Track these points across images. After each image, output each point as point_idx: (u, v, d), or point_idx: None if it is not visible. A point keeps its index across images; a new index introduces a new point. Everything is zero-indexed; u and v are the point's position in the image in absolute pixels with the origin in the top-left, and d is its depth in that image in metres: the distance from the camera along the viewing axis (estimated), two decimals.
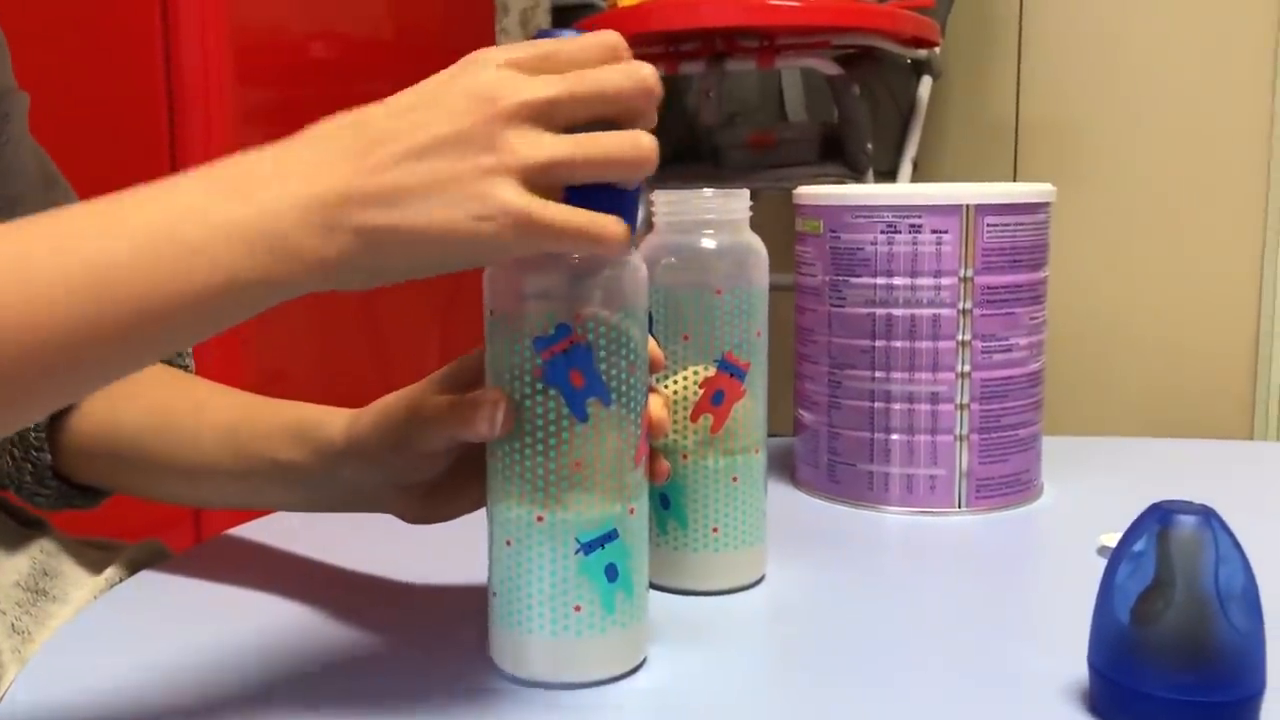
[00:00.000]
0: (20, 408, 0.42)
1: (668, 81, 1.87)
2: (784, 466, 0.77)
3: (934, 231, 0.66)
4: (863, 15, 1.66)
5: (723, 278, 0.54)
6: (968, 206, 0.66)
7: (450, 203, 0.40)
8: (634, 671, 0.46)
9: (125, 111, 1.44)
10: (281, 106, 1.44)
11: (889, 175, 1.88)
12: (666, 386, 0.54)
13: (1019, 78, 2.23)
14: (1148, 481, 0.76)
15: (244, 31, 1.45)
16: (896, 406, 0.68)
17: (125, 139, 1.44)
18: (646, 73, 0.44)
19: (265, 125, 1.43)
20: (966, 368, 0.68)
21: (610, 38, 0.44)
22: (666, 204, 0.55)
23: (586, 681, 0.45)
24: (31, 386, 0.40)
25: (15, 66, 0.66)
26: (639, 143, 0.43)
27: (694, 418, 0.54)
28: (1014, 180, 2.25)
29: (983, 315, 0.67)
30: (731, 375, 0.54)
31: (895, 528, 0.67)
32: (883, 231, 0.67)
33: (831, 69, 1.69)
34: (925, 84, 1.94)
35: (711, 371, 0.54)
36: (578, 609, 0.44)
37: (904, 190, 0.68)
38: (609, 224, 0.42)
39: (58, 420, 0.62)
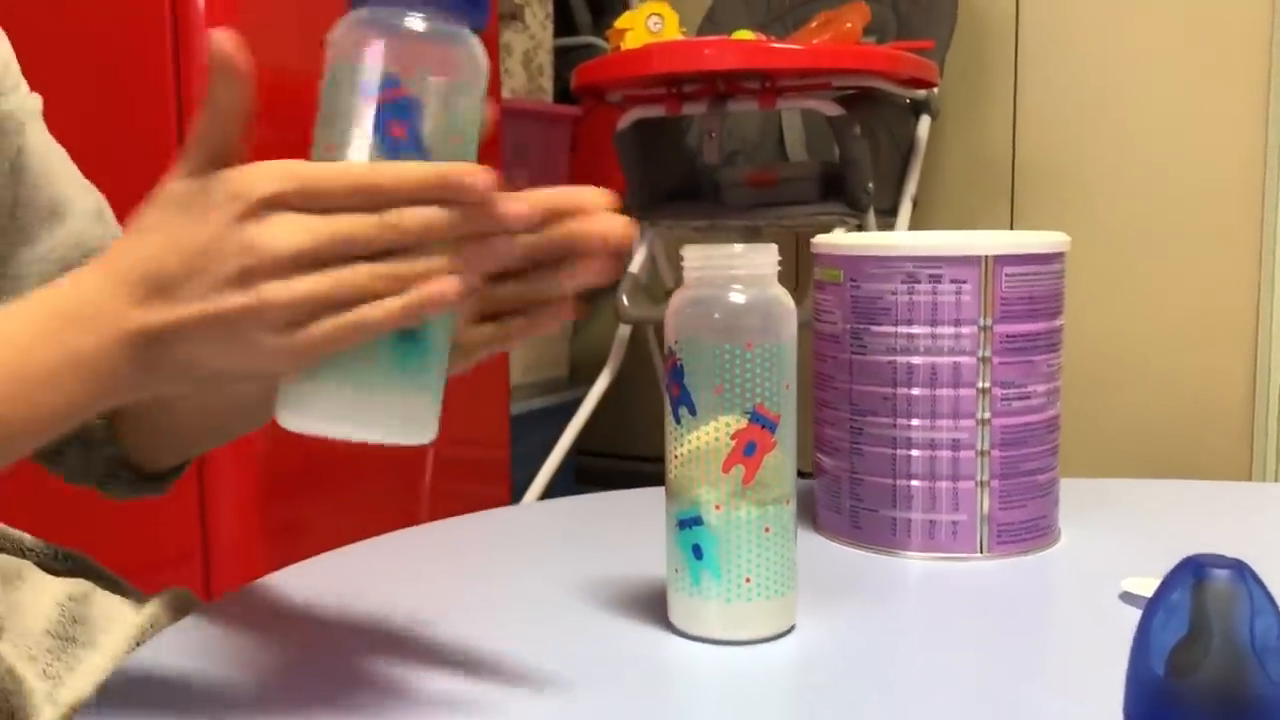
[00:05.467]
0: None
1: (670, 121, 1.89)
2: (803, 509, 0.78)
3: (953, 281, 0.68)
4: (863, 57, 1.69)
5: (753, 332, 0.55)
6: (987, 257, 0.67)
7: (230, 349, 0.44)
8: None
9: (136, 151, 1.45)
10: (288, 147, 1.45)
11: (889, 214, 1.90)
12: (698, 437, 0.55)
13: (1015, 116, 2.26)
14: (1162, 525, 0.77)
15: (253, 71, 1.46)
16: (918, 453, 0.69)
17: (137, 177, 1.45)
18: (430, 220, 0.44)
19: (273, 157, 1.43)
20: (987, 414, 0.69)
21: (419, 175, 0.44)
22: (696, 259, 0.56)
23: None
24: None
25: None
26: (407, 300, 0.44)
27: (726, 469, 0.55)
28: (1011, 217, 2.27)
29: (1002, 363, 0.69)
30: (763, 427, 0.55)
31: (918, 573, 0.68)
32: (903, 281, 0.68)
33: (833, 110, 1.71)
34: (924, 123, 1.97)
35: (743, 424, 0.55)
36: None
37: (924, 241, 0.69)
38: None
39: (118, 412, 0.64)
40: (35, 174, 0.65)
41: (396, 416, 0.47)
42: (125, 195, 0.70)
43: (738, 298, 0.55)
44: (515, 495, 1.97)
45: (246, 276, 0.42)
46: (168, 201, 0.45)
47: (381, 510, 1.74)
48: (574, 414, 2.01)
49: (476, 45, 0.48)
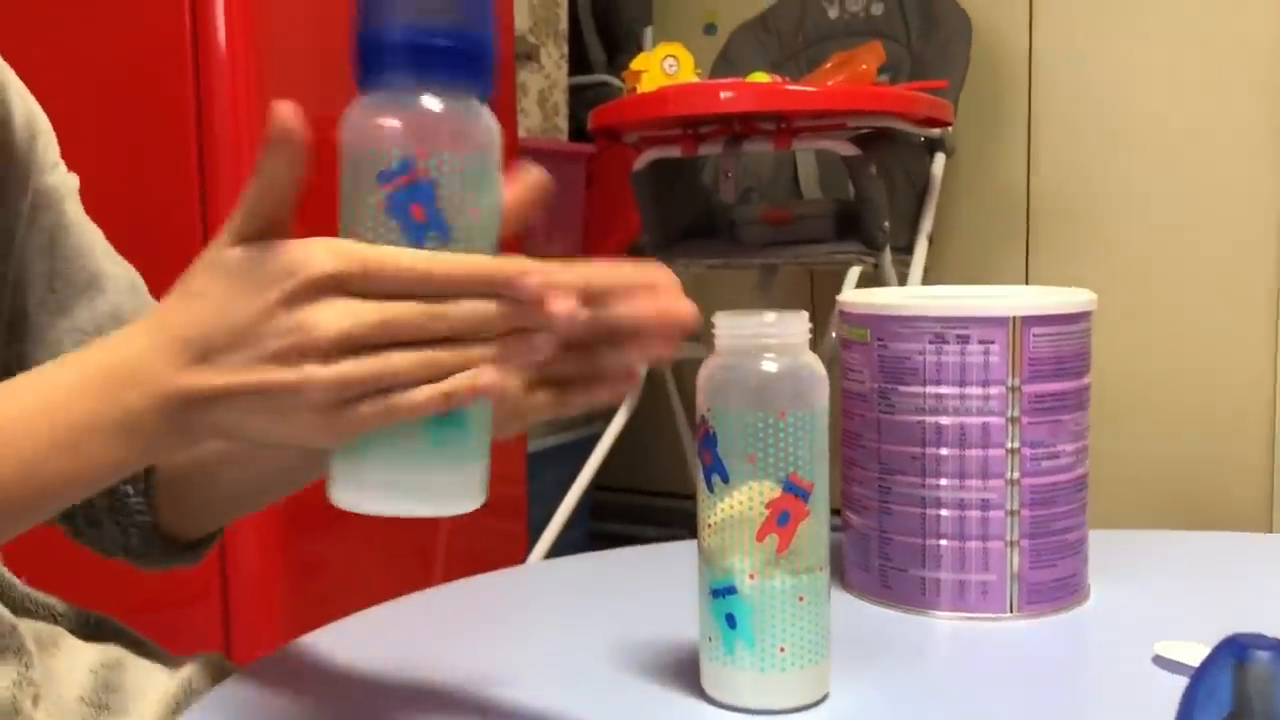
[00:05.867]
0: None
1: (685, 161, 1.90)
2: (831, 564, 0.78)
3: (981, 342, 0.68)
4: (879, 99, 1.69)
5: (785, 400, 0.55)
6: (1014, 318, 0.68)
7: (269, 421, 0.45)
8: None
9: (158, 189, 1.47)
10: (308, 189, 1.46)
11: (905, 251, 1.91)
12: (731, 505, 0.56)
13: (1029, 152, 2.27)
14: (1191, 581, 0.77)
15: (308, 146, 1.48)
16: (947, 513, 0.69)
17: (160, 219, 1.46)
18: (486, 314, 0.45)
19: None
20: (1016, 474, 0.69)
21: (485, 270, 0.45)
22: (727, 327, 0.56)
23: None
24: None
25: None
26: (449, 386, 0.44)
27: (760, 538, 0.55)
28: (1026, 253, 2.27)
29: (1031, 423, 0.69)
30: (796, 496, 0.55)
31: (949, 634, 0.68)
32: (930, 341, 0.69)
33: (848, 150, 1.72)
34: (939, 161, 1.98)
35: (776, 493, 0.55)
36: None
37: (951, 302, 0.70)
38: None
39: (151, 483, 0.64)
40: (72, 249, 0.66)
41: (442, 489, 0.48)
42: (149, 269, 0.71)
43: (770, 366, 0.56)
44: (532, 531, 1.97)
45: (293, 354, 0.43)
46: (218, 268, 0.45)
47: (399, 546, 1.74)
48: (590, 450, 2.01)
49: (487, 115, 0.49)
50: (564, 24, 2.43)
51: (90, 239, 0.68)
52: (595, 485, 2.01)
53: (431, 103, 0.47)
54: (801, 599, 0.56)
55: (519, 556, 1.94)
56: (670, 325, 0.50)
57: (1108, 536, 0.84)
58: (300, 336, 0.43)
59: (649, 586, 0.78)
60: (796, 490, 0.55)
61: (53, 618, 0.65)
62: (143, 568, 0.67)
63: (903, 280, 1.87)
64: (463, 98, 0.48)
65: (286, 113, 0.45)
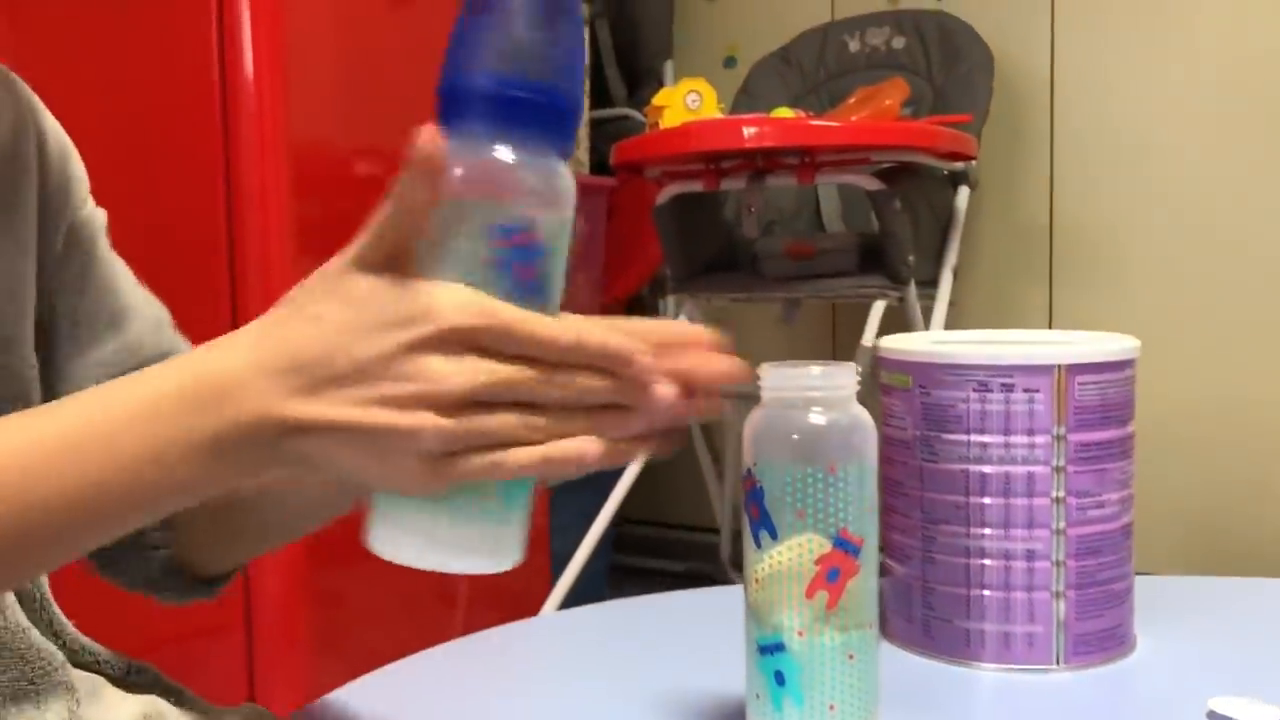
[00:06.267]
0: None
1: (708, 195, 1.90)
2: None
3: (1026, 390, 0.67)
4: (903, 134, 1.69)
5: (835, 454, 0.55)
6: (1060, 366, 0.67)
7: (368, 461, 0.44)
8: None
9: (185, 218, 1.47)
10: (335, 218, 1.47)
11: (930, 285, 1.90)
12: (779, 561, 0.55)
13: (1052, 185, 2.26)
14: (1238, 629, 0.76)
15: (300, 145, 1.49)
16: (991, 563, 0.68)
17: (186, 247, 1.47)
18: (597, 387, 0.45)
19: (319, 234, 1.46)
20: (1061, 524, 0.68)
21: (605, 347, 0.45)
22: (774, 380, 0.56)
23: None
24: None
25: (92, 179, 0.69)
26: (554, 452, 0.45)
27: (809, 594, 0.55)
28: (1050, 286, 2.26)
29: (1076, 472, 0.68)
30: (846, 552, 0.55)
31: (994, 686, 0.67)
32: (975, 390, 0.68)
33: (872, 184, 1.72)
34: (963, 194, 1.97)
35: (826, 548, 0.54)
36: None
37: (995, 349, 0.69)
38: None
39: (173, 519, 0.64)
40: (100, 287, 0.66)
41: (489, 547, 0.47)
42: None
43: (818, 419, 0.55)
44: (555, 564, 1.96)
45: (412, 401, 0.42)
46: (340, 294, 0.44)
47: (421, 579, 1.73)
48: (612, 484, 2.00)
49: (569, 174, 0.48)
50: (585, 59, 2.44)
51: (117, 276, 0.67)
52: (617, 518, 2.00)
53: (554, 165, 0.46)
54: (851, 656, 0.55)
55: (541, 589, 1.93)
56: (717, 383, 0.51)
57: (1151, 583, 0.83)
58: (424, 385, 0.42)
59: (681, 636, 0.77)
60: (847, 546, 0.55)
61: (96, 664, 0.65)
62: (164, 602, 0.67)
63: (927, 314, 1.86)
64: (555, 155, 0.47)
65: (430, 139, 0.43)
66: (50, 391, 0.63)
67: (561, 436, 0.44)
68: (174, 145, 1.49)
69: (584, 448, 0.45)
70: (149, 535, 0.65)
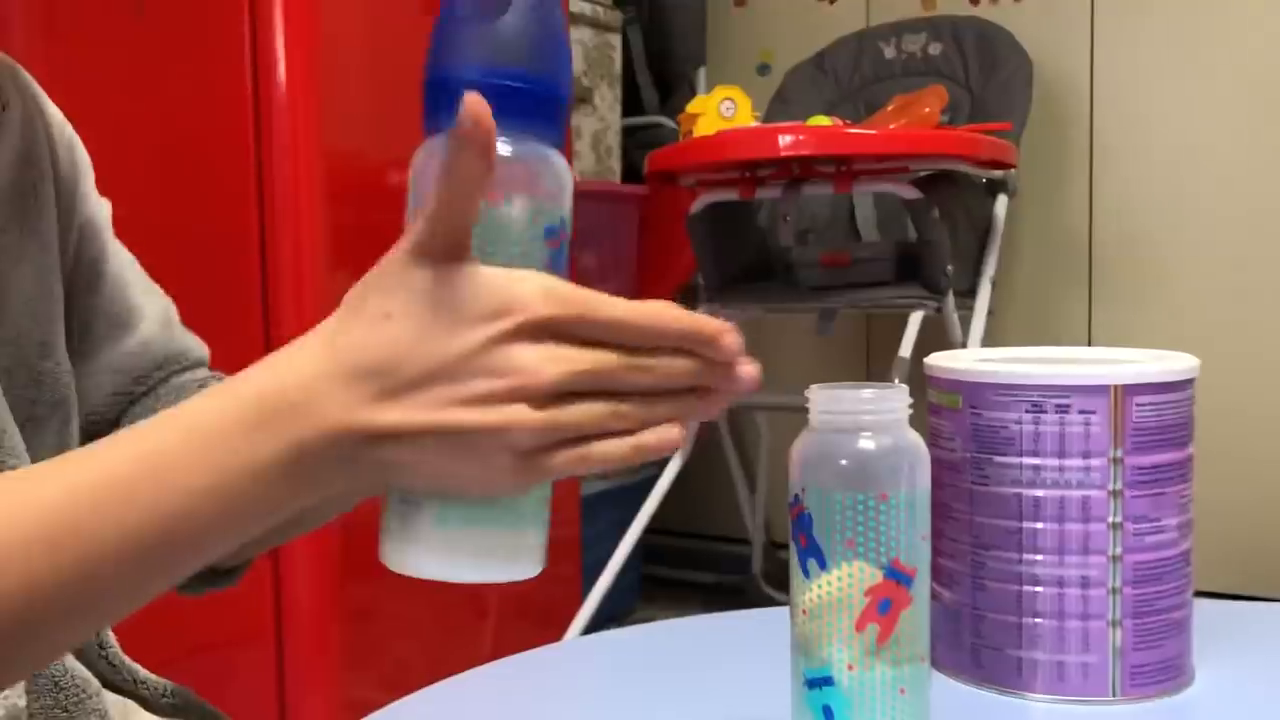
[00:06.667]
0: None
1: (742, 204, 1.88)
2: None
3: (1082, 412, 0.65)
4: (942, 142, 1.67)
5: (886, 481, 0.53)
6: (1117, 387, 0.65)
7: (456, 463, 0.42)
8: None
9: (218, 228, 1.47)
10: (369, 227, 1.46)
11: (968, 295, 1.87)
12: (828, 591, 0.53)
13: (1091, 193, 2.23)
14: None
15: (333, 154, 1.48)
16: (1045, 590, 0.66)
17: (219, 256, 1.47)
18: (681, 370, 0.43)
19: (353, 243, 1.45)
20: (1118, 550, 0.65)
21: (684, 325, 0.43)
22: (823, 403, 0.54)
23: None
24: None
25: (115, 189, 0.67)
26: (640, 444, 0.43)
27: (860, 627, 0.52)
28: (1090, 295, 2.23)
29: (1134, 496, 0.65)
30: (899, 583, 0.52)
31: (1046, 718, 0.65)
32: (1028, 410, 0.66)
33: (910, 193, 1.69)
34: (1001, 203, 1.94)
35: (877, 579, 0.52)
36: None
37: (1049, 369, 0.67)
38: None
39: None
40: (111, 284, 0.64)
41: (508, 555, 0.46)
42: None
43: (868, 444, 0.53)
44: (586, 576, 1.94)
45: (502, 396, 0.41)
46: (409, 290, 0.41)
47: (453, 589, 1.72)
48: (644, 495, 1.99)
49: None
50: (618, 66, 2.43)
51: (125, 270, 0.66)
52: (648, 529, 1.98)
53: (559, 161, 0.46)
54: (903, 691, 0.53)
55: (573, 600, 1.91)
56: (735, 386, 0.47)
57: (1209, 608, 0.80)
58: (515, 380, 0.41)
59: (721, 662, 0.75)
60: (899, 576, 0.52)
61: (133, 684, 0.64)
62: (184, 594, 0.65)
63: (965, 325, 1.83)
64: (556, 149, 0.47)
65: (477, 103, 0.40)
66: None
67: (647, 424, 0.43)
68: (207, 155, 1.48)
69: (670, 435, 0.43)
70: None
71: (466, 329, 0.41)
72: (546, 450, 0.42)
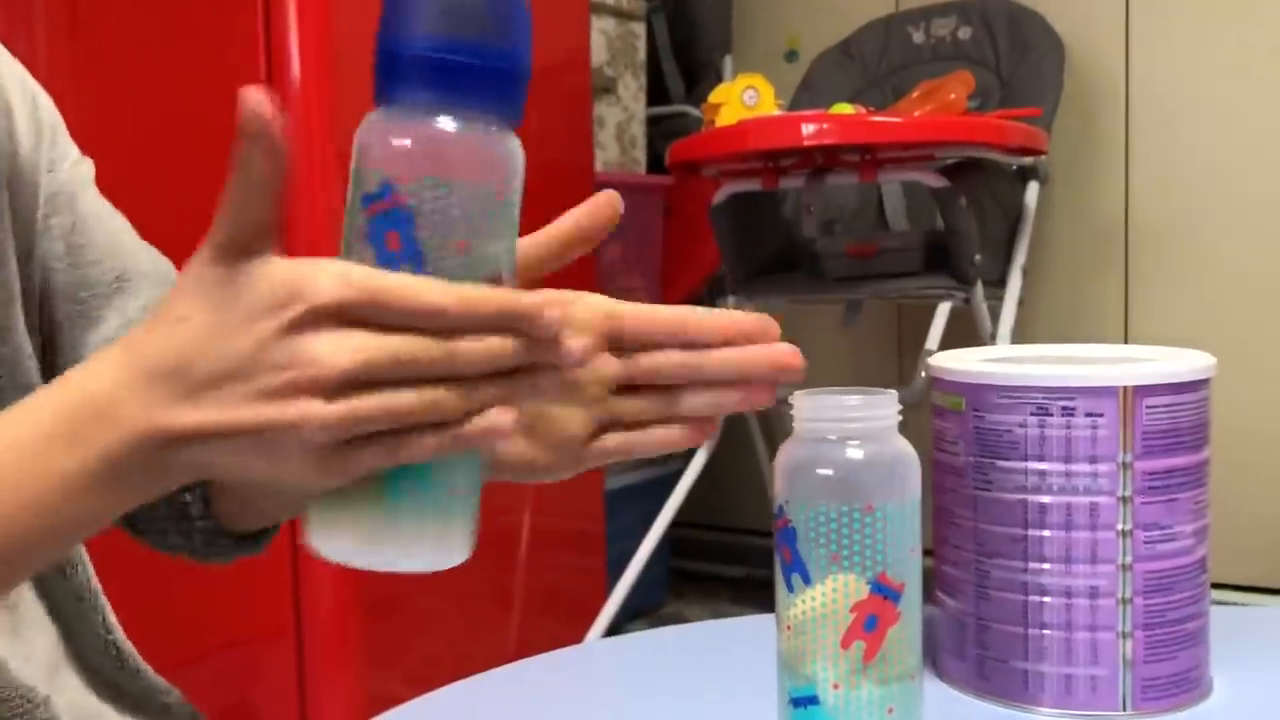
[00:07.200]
0: None
1: (766, 194, 1.86)
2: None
3: (1089, 415, 0.62)
4: (970, 129, 1.63)
5: (873, 492, 0.50)
6: (1125, 388, 0.62)
7: (256, 461, 0.41)
8: None
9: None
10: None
11: (998, 285, 1.83)
12: (813, 607, 0.51)
13: (1127, 180, 2.17)
14: None
15: (348, 148, 1.47)
16: (1052, 600, 0.63)
17: None
18: (499, 349, 0.41)
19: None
20: (1128, 559, 0.63)
21: (490, 303, 0.40)
22: (806, 410, 0.52)
23: None
24: None
25: (125, 184, 0.65)
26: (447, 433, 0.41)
27: (845, 644, 0.50)
28: (1126, 286, 2.17)
29: (1144, 503, 0.63)
30: (885, 598, 0.50)
31: None
32: (1032, 414, 0.63)
33: (936, 181, 1.66)
34: (1032, 190, 1.90)
35: (864, 594, 0.50)
36: None
37: (1054, 371, 0.64)
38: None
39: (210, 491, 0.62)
40: (96, 248, 0.62)
41: (431, 542, 0.44)
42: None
43: (855, 453, 0.51)
44: (612, 570, 1.93)
45: (290, 391, 0.39)
46: (201, 289, 0.41)
47: (476, 583, 1.72)
48: (670, 488, 1.97)
49: (502, 144, 0.44)
50: (642, 55, 2.41)
51: (112, 233, 0.63)
52: (675, 522, 1.97)
53: (427, 125, 0.42)
54: (891, 710, 0.51)
55: (598, 594, 1.90)
56: (775, 371, 0.50)
57: (1227, 615, 0.77)
58: (300, 371, 0.39)
59: (736, 668, 0.73)
60: (886, 591, 0.50)
61: (166, 710, 0.63)
62: (210, 563, 0.64)
63: (995, 315, 1.79)
64: (478, 122, 0.43)
65: (257, 99, 0.40)
66: (60, 372, 0.61)
67: (469, 412, 0.40)
68: (220, 149, 1.48)
69: (496, 421, 0.40)
70: (191, 507, 0.62)
71: (253, 322, 0.39)
72: (351, 445, 0.40)
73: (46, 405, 0.43)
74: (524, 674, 0.73)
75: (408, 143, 0.42)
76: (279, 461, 0.40)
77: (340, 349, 0.39)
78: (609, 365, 0.51)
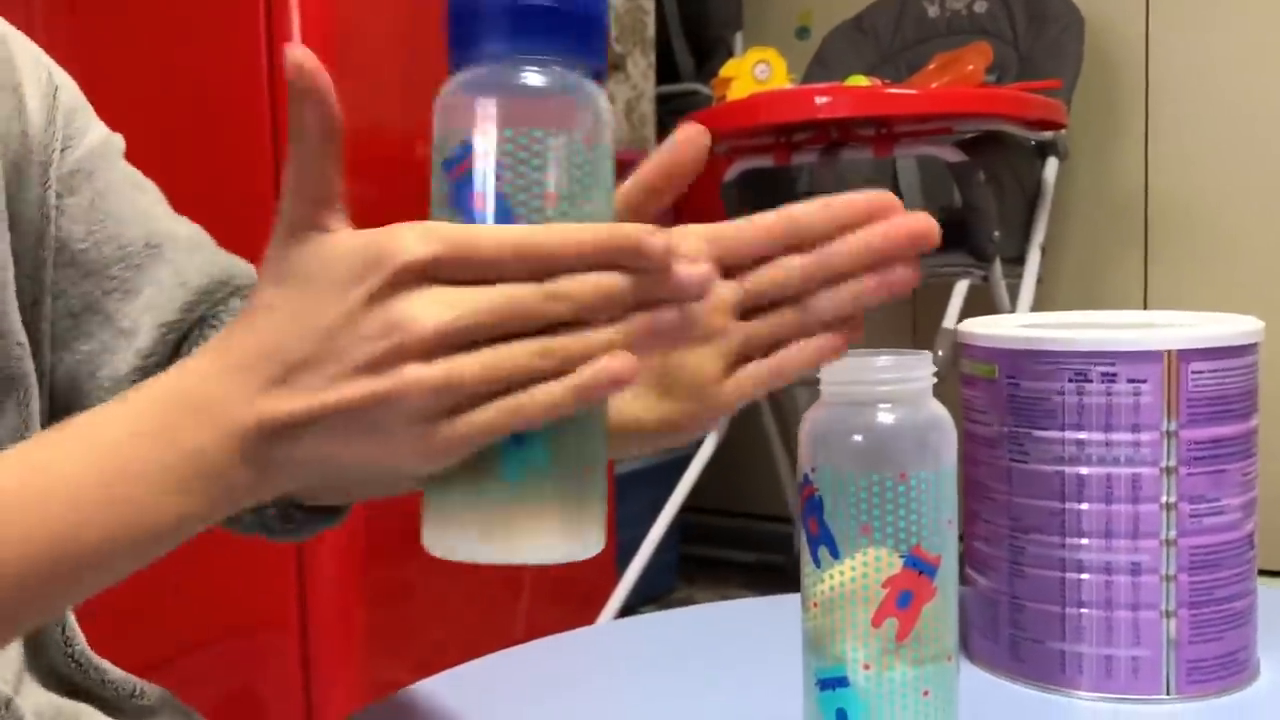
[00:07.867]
0: None
1: (779, 170, 1.82)
2: None
3: (1130, 381, 0.58)
4: (987, 101, 1.59)
5: (907, 459, 0.47)
6: (1170, 352, 0.58)
7: (364, 443, 0.38)
8: None
9: (235, 207, 1.43)
10: (388, 202, 1.41)
11: (1016, 262, 1.79)
12: (842, 583, 0.47)
13: (1148, 155, 2.13)
14: None
15: (355, 130, 1.44)
16: (1090, 577, 0.60)
17: (237, 231, 1.43)
18: (612, 286, 0.37)
19: (373, 219, 1.41)
20: (1172, 534, 0.59)
21: (596, 236, 0.37)
22: (834, 373, 0.48)
23: None
24: None
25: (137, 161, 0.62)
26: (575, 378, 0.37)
27: (877, 622, 0.47)
28: (1145, 262, 2.13)
29: (1189, 474, 0.59)
30: (920, 573, 0.47)
31: (1093, 717, 0.59)
32: (1071, 380, 0.59)
33: (954, 155, 1.62)
34: (1051, 166, 1.86)
35: (896, 569, 0.47)
36: None
37: (1094, 334, 0.60)
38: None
39: None
40: (118, 219, 0.59)
41: (557, 530, 0.39)
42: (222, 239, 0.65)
43: (886, 418, 0.47)
44: (621, 555, 1.90)
45: (388, 359, 0.36)
46: (284, 272, 0.38)
47: (484, 569, 1.69)
48: (680, 473, 1.94)
49: (583, 92, 0.40)
50: (651, 31, 2.36)
51: (140, 203, 0.60)
52: (686, 507, 1.94)
53: (502, 77, 0.39)
54: (926, 693, 0.47)
55: (607, 581, 1.87)
56: (915, 244, 0.46)
57: (1274, 596, 0.73)
58: (396, 337, 0.36)
59: (752, 650, 0.70)
60: (921, 565, 0.47)
61: (101, 683, 0.59)
62: (286, 540, 0.61)
63: (1013, 293, 1.76)
64: (555, 70, 0.39)
65: (300, 53, 0.37)
66: (105, 350, 0.58)
67: (586, 358, 0.36)
68: (223, 130, 1.45)
69: (617, 365, 0.36)
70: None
71: (342, 294, 0.36)
72: (458, 412, 0.36)
73: (137, 402, 0.40)
74: (532, 655, 0.70)
75: (483, 98, 0.39)
76: (385, 443, 0.37)
77: (436, 306, 0.36)
78: (728, 289, 0.47)
